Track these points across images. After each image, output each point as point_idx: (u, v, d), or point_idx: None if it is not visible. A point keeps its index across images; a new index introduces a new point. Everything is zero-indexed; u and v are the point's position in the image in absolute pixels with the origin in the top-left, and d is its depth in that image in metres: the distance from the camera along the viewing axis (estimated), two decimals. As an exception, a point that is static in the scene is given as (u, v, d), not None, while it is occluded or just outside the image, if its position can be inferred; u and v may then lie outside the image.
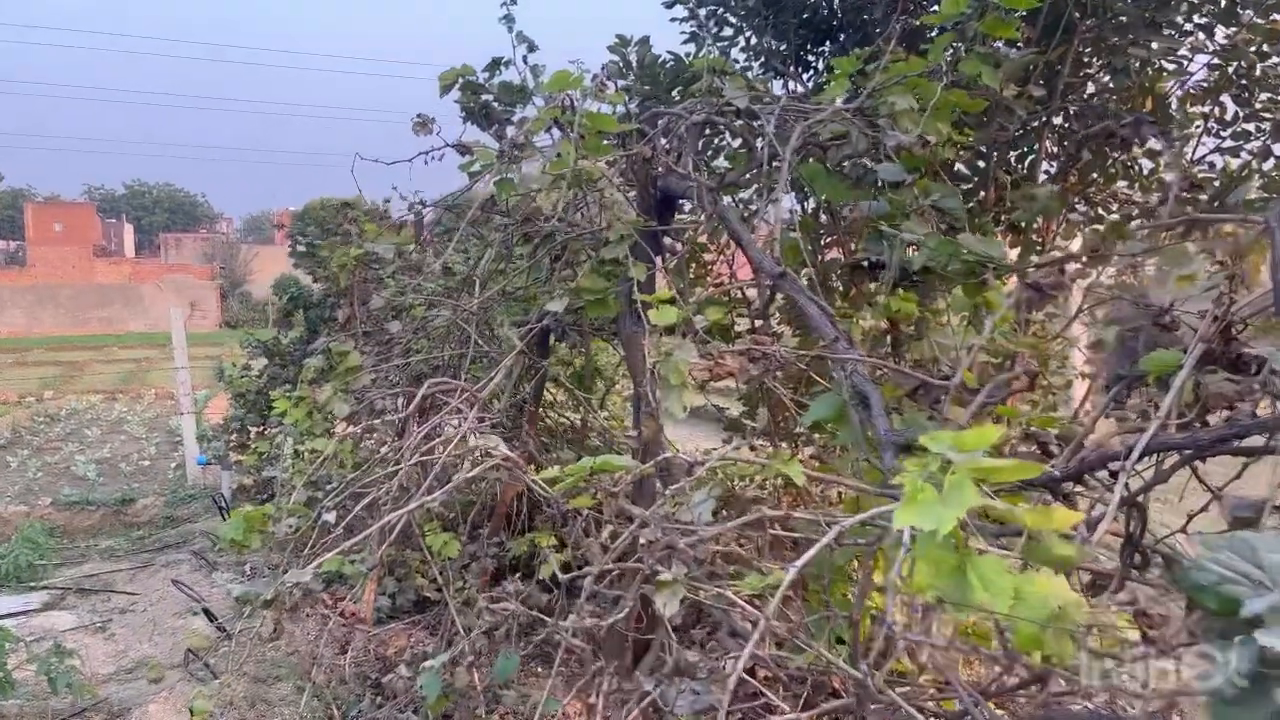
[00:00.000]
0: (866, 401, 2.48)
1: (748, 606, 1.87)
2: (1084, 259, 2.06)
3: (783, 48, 5.15)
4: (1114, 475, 1.74)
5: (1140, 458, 1.63)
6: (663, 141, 3.21)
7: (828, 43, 5.45)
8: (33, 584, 7.41)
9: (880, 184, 3.64)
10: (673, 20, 5.80)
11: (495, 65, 3.66)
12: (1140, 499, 1.72)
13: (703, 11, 5.64)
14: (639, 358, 3.64)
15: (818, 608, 2.42)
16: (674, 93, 4.97)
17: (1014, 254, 4.72)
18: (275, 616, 2.75)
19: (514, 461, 3.06)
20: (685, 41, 5.68)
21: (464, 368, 3.71)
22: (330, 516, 3.25)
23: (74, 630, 6.27)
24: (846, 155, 3.13)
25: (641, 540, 1.80)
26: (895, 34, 3.22)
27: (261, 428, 7.80)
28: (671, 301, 2.32)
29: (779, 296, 3.27)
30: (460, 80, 3.66)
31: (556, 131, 3.89)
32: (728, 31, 5.52)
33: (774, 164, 3.28)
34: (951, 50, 3.33)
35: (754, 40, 5.45)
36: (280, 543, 4.28)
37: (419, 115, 3.52)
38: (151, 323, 43.31)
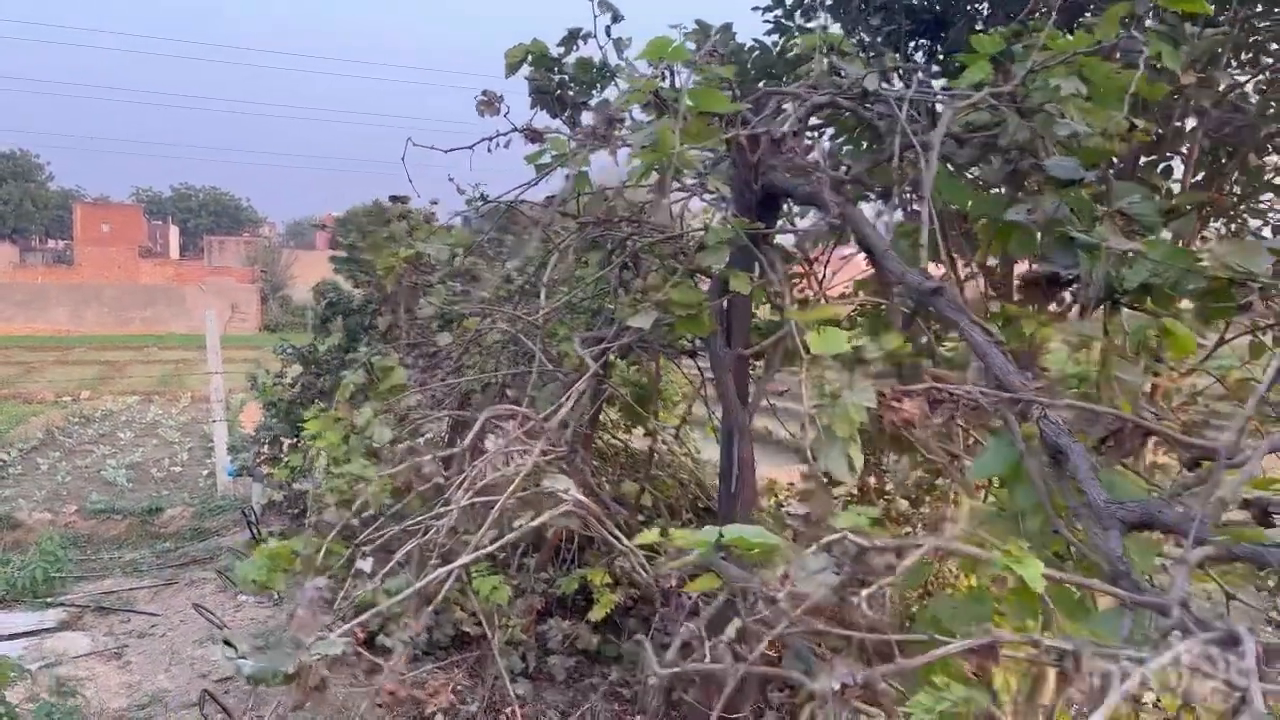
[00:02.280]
0: (1059, 457, 1.93)
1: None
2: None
3: (879, 40, 4.61)
4: None
5: None
6: (771, 127, 2.67)
7: (929, 37, 4.91)
8: (49, 600, 6.99)
9: (1023, 188, 3.09)
10: (754, 9, 5.29)
11: (572, 38, 3.14)
12: None
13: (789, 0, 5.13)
14: (731, 383, 3.10)
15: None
16: (760, 84, 4.44)
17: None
18: (300, 697, 2.24)
19: (587, 507, 2.54)
20: (769, 32, 5.17)
21: (526, 387, 3.19)
22: (366, 565, 2.74)
23: (88, 656, 5.82)
24: (1001, 148, 2.57)
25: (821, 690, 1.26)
26: (1056, 4, 2.66)
27: (295, 439, 7.34)
28: (837, 323, 1.78)
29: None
30: (530, 57, 3.15)
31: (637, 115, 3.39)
32: (819, 20, 4.99)
33: (906, 157, 2.74)
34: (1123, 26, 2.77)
35: (847, 32, 4.93)
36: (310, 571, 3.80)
37: (484, 92, 3.02)
38: (193, 324, 43.40)
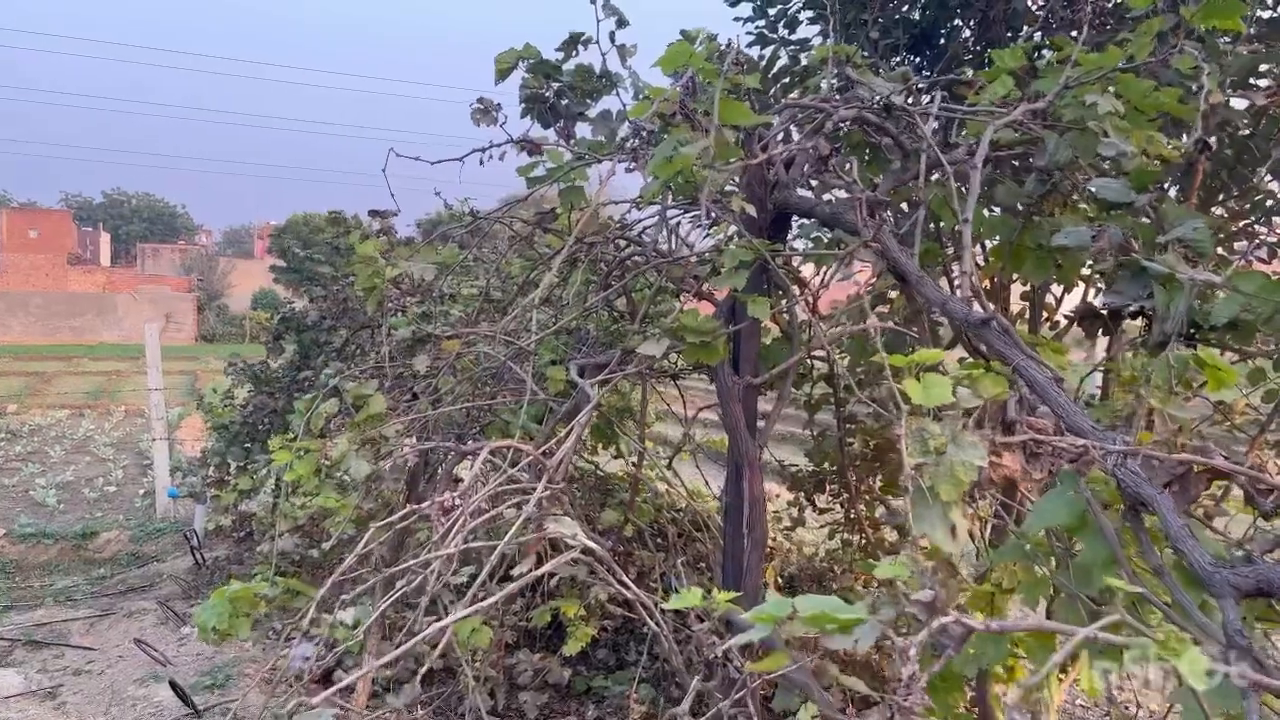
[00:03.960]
0: (1138, 508, 1.76)
1: None
2: None
3: (876, 53, 4.47)
4: None
5: None
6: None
7: (914, 51, 4.79)
8: (-24, 634, 6.54)
9: (1038, 212, 2.96)
10: (736, 20, 5.14)
11: (573, 43, 2.92)
12: None
13: (772, 10, 4.97)
14: (739, 414, 2.91)
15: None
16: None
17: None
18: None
19: (599, 558, 2.32)
20: (751, 44, 5.02)
21: (520, 414, 2.96)
22: (348, 616, 2.49)
23: (20, 696, 5.41)
24: (1038, 168, 2.43)
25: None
26: (1088, 18, 2.53)
27: (244, 462, 6.97)
28: (937, 368, 1.57)
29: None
30: (522, 63, 2.92)
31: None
32: (804, 32, 4.85)
33: (933, 177, 2.58)
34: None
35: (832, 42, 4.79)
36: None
37: (480, 99, 2.79)
38: (124, 334, 42.16)
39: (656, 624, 2.39)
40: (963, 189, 2.86)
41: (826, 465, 4.64)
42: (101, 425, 17.27)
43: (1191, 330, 1.89)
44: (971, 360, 2.53)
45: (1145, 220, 2.10)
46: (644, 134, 2.34)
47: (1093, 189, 2.23)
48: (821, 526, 4.93)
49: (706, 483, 5.67)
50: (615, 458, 5.42)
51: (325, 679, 5.09)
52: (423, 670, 2.27)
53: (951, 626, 1.24)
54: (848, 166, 2.53)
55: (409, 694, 2.28)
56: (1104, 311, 2.01)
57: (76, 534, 8.93)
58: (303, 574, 6.03)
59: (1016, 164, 3.75)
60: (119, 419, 18.24)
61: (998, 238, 3.10)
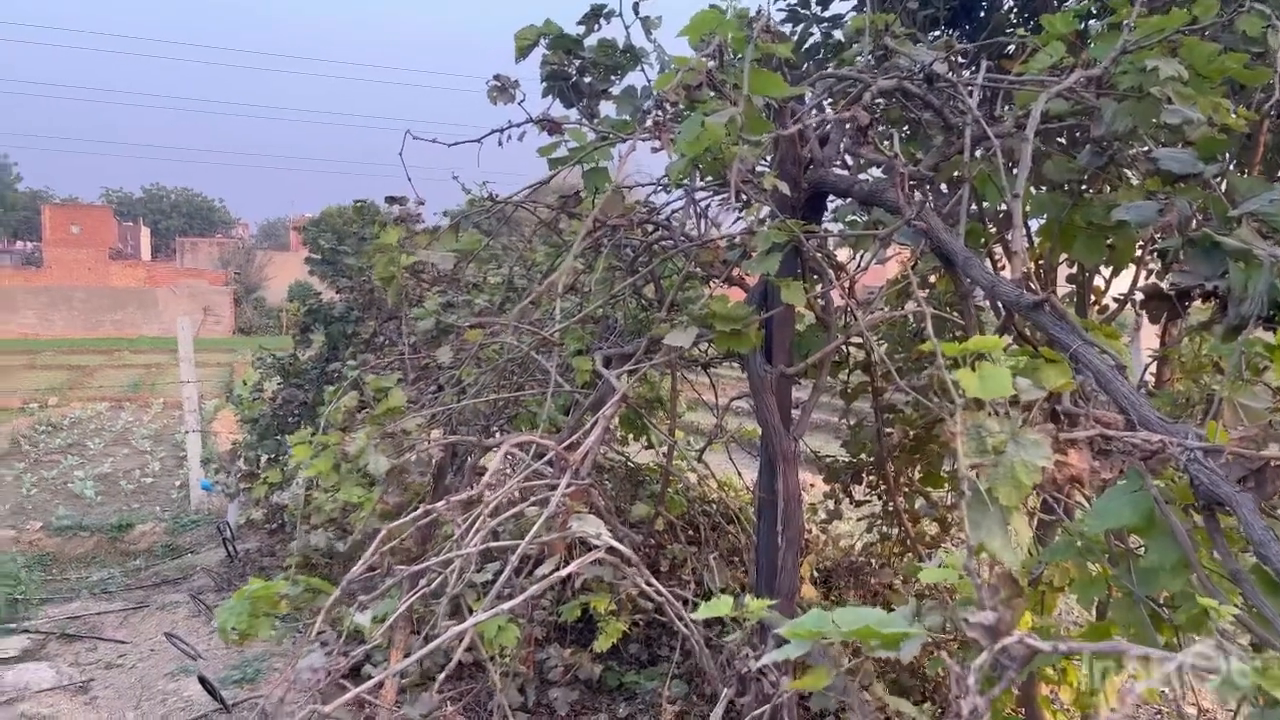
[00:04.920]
0: (1214, 508, 1.61)
1: None
2: None
3: (915, 25, 4.29)
4: None
5: None
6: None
7: (951, 25, 4.60)
8: (12, 625, 6.55)
9: (1085, 189, 2.79)
10: (767, -3, 4.96)
11: (594, 16, 2.78)
12: None
13: (804, -14, 4.80)
14: (773, 405, 2.76)
15: None
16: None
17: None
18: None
19: (625, 557, 2.20)
20: (784, 20, 4.85)
21: (545, 406, 2.84)
22: (364, 619, 2.38)
23: (51, 690, 5.41)
24: (1094, 139, 2.26)
25: None
26: (1147, -22, 2.35)
27: (273, 455, 6.94)
28: (986, 357, 1.41)
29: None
30: (543, 40, 2.79)
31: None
32: (838, 8, 4.68)
33: (981, 151, 2.42)
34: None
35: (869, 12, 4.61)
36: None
37: (497, 77, 2.67)
38: (165, 327, 42.63)
39: (686, 628, 2.27)
40: (1010, 165, 2.69)
41: (864, 456, 4.49)
42: (140, 417, 17.45)
43: (1271, 312, 1.72)
44: (1019, 348, 2.37)
45: (1212, 193, 1.93)
46: (668, 107, 2.20)
47: (1155, 160, 2.06)
48: (859, 519, 4.77)
49: (739, 473, 5.53)
50: (647, 448, 5.29)
51: (354, 673, 5.03)
52: (440, 677, 2.17)
53: (1014, 647, 1.10)
54: (886, 143, 2.37)
55: (426, 703, 2.18)
56: (1171, 293, 1.84)
57: (113, 526, 8.96)
58: (334, 566, 5.98)
59: (1063, 139, 3.57)
60: (157, 411, 18.42)
61: (1045, 216, 2.94)
